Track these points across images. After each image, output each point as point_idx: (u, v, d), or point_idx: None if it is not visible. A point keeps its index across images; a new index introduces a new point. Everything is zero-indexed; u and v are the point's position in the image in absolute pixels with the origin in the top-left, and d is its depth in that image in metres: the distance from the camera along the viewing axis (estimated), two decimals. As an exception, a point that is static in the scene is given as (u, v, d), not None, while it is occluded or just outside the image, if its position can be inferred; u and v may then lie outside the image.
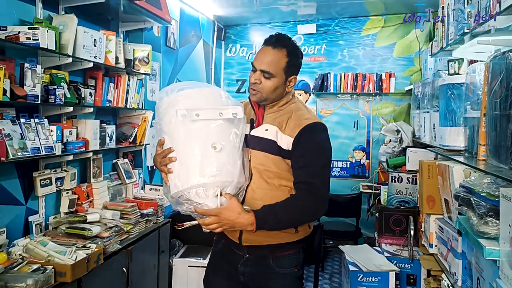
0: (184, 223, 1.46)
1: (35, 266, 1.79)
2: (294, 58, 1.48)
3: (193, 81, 1.53)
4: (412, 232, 2.47)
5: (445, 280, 1.78)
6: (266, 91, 1.45)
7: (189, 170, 1.35)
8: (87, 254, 1.94)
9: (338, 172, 4.68)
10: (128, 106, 2.75)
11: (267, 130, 1.47)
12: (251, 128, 1.52)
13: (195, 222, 1.43)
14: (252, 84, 1.47)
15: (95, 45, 2.28)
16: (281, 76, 1.45)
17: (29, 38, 1.85)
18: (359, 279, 2.45)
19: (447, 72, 2.32)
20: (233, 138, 1.40)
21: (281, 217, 1.37)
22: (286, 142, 1.44)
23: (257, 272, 1.51)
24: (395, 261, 2.53)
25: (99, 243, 2.09)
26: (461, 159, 1.61)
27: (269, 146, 1.45)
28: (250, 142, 1.49)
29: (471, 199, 1.31)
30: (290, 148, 1.43)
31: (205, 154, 1.35)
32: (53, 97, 2.00)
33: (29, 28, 1.87)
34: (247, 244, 1.49)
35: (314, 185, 1.39)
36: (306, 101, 4.75)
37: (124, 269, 2.32)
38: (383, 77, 4.40)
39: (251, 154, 1.48)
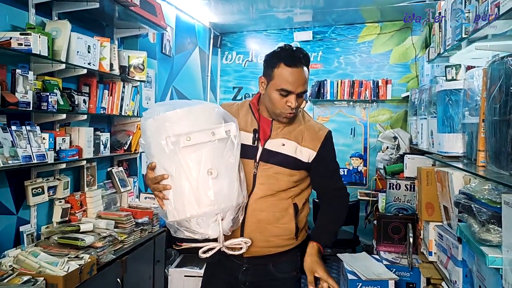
0: (183, 244, 1.40)
1: (25, 278, 1.75)
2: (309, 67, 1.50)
3: (181, 100, 1.44)
4: (411, 239, 2.43)
5: (445, 289, 1.74)
6: (299, 107, 1.47)
7: (185, 200, 1.27)
8: (79, 265, 1.90)
9: (336, 179, 4.65)
10: (123, 114, 2.72)
11: (284, 145, 1.45)
12: (255, 138, 1.45)
13: (194, 244, 1.37)
14: (292, 108, 1.40)
15: (89, 52, 2.26)
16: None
17: (21, 44, 1.83)
18: (358, 288, 2.41)
19: (444, 78, 2.31)
20: (229, 158, 1.31)
21: (336, 230, 1.53)
22: (307, 154, 1.47)
23: (258, 280, 1.49)
24: (394, 269, 2.49)
25: (92, 253, 2.04)
26: (460, 165, 1.59)
27: (285, 161, 1.44)
28: (263, 156, 1.44)
29: (472, 206, 1.28)
30: (310, 160, 1.47)
31: (200, 181, 1.26)
32: (45, 104, 1.97)
33: (21, 34, 1.84)
34: (248, 256, 1.46)
35: (343, 188, 1.58)
36: (303, 108, 4.73)
37: (119, 280, 2.28)
38: (380, 84, 4.40)
39: (259, 167, 1.43)
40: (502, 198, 1.12)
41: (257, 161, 1.44)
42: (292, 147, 1.45)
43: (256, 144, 1.45)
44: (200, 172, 1.27)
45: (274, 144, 1.45)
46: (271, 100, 1.42)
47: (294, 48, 1.43)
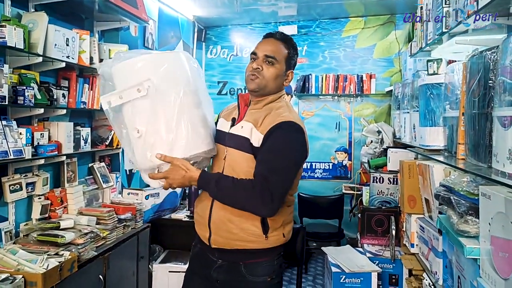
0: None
1: (3, 276, 1.70)
2: (293, 52, 1.53)
3: (142, 50, 1.47)
4: (393, 232, 2.47)
5: (426, 280, 1.77)
6: (268, 78, 1.46)
7: (126, 155, 1.41)
8: (59, 262, 1.85)
9: (321, 173, 4.68)
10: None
11: (242, 127, 1.45)
12: (232, 126, 1.50)
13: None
14: (253, 70, 1.45)
15: (67, 45, 2.20)
16: (282, 65, 1.48)
17: (-5, 36, 1.77)
18: (341, 281, 2.44)
19: (426, 72, 2.33)
20: (161, 111, 1.32)
21: (221, 193, 1.37)
22: (257, 139, 1.40)
23: (229, 280, 1.47)
24: (377, 262, 2.53)
25: (73, 250, 2.00)
26: (441, 158, 1.61)
27: (243, 144, 1.42)
28: (227, 140, 1.48)
29: (451, 198, 1.30)
30: (259, 145, 1.40)
31: (133, 142, 1.34)
32: (22, 98, 1.91)
33: (-5, 26, 1.78)
34: (216, 247, 1.46)
35: (268, 181, 1.31)
36: (288, 101, 4.72)
37: (101, 276, 2.24)
38: (364, 78, 4.43)
39: (227, 153, 1.46)
40: (480, 190, 1.13)
41: (226, 146, 1.48)
42: (248, 129, 1.43)
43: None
44: (130, 131, 1.33)
45: (236, 128, 1.48)
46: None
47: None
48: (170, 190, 3.08)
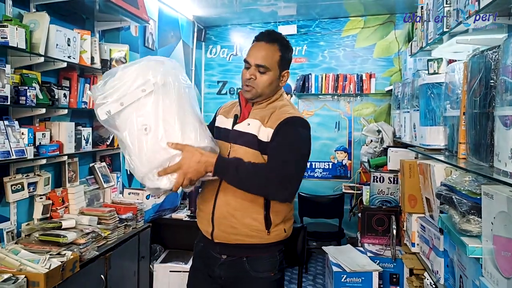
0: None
1: (6, 276, 1.71)
2: (286, 51, 1.51)
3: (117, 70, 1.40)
4: (394, 231, 2.47)
5: (427, 279, 1.78)
6: (262, 86, 1.46)
7: (133, 162, 1.33)
8: (61, 262, 1.86)
9: (320, 173, 4.69)
10: (105, 108, 2.67)
11: (249, 124, 1.47)
12: (234, 123, 1.52)
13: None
14: (247, 80, 1.46)
15: (69, 45, 2.20)
16: (275, 70, 1.47)
17: (-3, 37, 1.77)
18: (342, 280, 2.44)
19: (426, 71, 2.34)
20: (162, 108, 1.32)
21: (242, 179, 1.36)
22: (266, 134, 1.43)
23: (233, 276, 1.49)
24: (378, 261, 2.53)
25: (75, 250, 2.01)
26: (442, 157, 1.61)
27: (249, 141, 1.44)
28: (232, 137, 1.49)
29: (453, 197, 1.30)
30: (269, 140, 1.42)
31: (139, 141, 1.32)
32: (24, 98, 1.91)
33: (-3, 26, 1.78)
34: (218, 241, 1.48)
35: (284, 169, 1.35)
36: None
37: (102, 276, 2.25)
38: (364, 78, 4.43)
39: (231, 149, 1.48)
40: (482, 189, 1.14)
41: (230, 142, 1.49)
42: (256, 126, 1.45)
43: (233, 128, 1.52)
44: (137, 131, 1.31)
45: (242, 125, 1.49)
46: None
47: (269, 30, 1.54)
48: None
